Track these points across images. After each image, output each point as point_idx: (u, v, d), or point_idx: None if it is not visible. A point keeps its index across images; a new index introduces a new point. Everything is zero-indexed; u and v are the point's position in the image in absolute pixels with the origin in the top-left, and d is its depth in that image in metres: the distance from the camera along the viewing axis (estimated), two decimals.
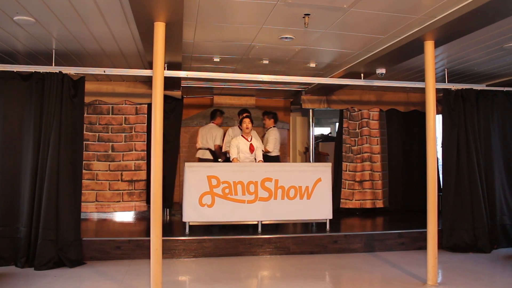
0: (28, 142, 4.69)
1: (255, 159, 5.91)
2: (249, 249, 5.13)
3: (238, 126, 6.70)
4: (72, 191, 4.73)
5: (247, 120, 5.88)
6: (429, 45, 4.21)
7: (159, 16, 3.52)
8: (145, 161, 6.47)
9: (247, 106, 7.82)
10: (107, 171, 6.40)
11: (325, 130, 11.37)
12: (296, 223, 6.01)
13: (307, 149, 8.11)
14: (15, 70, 4.77)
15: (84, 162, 5.79)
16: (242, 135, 5.94)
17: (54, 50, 4.87)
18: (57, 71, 4.77)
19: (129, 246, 4.96)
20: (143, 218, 6.64)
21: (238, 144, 5.86)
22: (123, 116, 6.51)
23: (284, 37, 4.47)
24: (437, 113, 5.04)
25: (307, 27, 3.95)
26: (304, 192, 5.54)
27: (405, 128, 7.51)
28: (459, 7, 3.48)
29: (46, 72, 4.76)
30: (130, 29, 4.17)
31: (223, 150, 6.67)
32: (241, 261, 4.93)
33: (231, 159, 5.85)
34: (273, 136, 6.56)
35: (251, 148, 5.86)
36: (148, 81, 6.39)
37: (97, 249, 4.89)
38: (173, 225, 6.13)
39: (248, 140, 5.89)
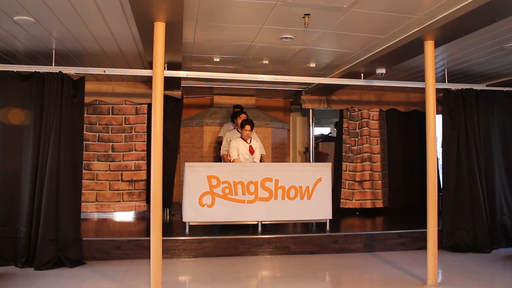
0: (28, 142, 4.69)
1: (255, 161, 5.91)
2: (249, 249, 5.13)
3: (235, 127, 6.61)
4: (72, 191, 4.73)
5: (248, 128, 5.82)
6: (429, 45, 4.21)
7: (159, 16, 3.52)
8: (145, 161, 6.47)
9: (247, 106, 7.82)
10: (107, 171, 6.40)
11: (325, 130, 11.36)
12: (296, 223, 6.01)
13: (307, 149, 8.12)
14: (15, 70, 4.76)
15: (84, 162, 5.78)
16: (241, 137, 5.93)
17: (54, 50, 4.86)
18: (57, 71, 4.77)
19: (129, 246, 4.96)
20: (143, 218, 6.64)
21: (238, 146, 5.86)
22: (123, 116, 6.50)
23: (284, 37, 4.47)
24: (437, 113, 5.05)
25: (307, 27, 3.95)
26: (305, 192, 5.54)
27: (405, 128, 7.50)
28: (459, 7, 3.48)
29: (46, 72, 4.76)
30: (130, 29, 4.17)
31: (221, 154, 6.63)
32: (241, 261, 4.93)
33: (231, 161, 5.84)
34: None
35: (251, 150, 5.86)
36: (148, 81, 6.39)
37: (97, 249, 4.89)
38: (173, 225, 6.14)
39: (247, 142, 5.90)
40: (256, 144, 5.99)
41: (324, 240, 5.32)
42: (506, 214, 5.77)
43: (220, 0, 3.51)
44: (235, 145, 5.87)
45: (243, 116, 6.25)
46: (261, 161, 6.14)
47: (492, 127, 5.86)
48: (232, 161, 5.80)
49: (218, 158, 7.10)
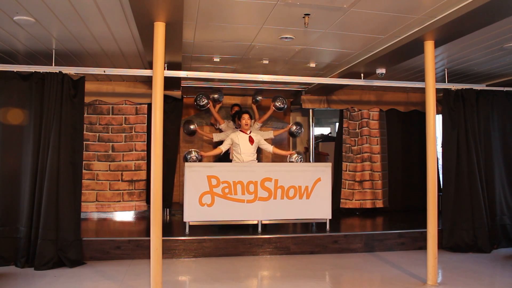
0: (28, 142, 4.69)
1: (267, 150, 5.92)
2: (249, 249, 5.13)
3: (236, 127, 6.55)
4: (72, 191, 4.73)
5: (246, 116, 5.77)
6: (429, 45, 4.21)
7: (159, 16, 3.52)
8: (145, 161, 6.48)
9: (247, 106, 7.82)
10: (107, 171, 6.40)
11: (325, 130, 11.37)
12: (296, 223, 6.02)
13: (307, 149, 8.12)
14: (15, 70, 4.77)
15: (84, 162, 5.80)
16: (240, 130, 5.83)
17: (54, 50, 4.86)
18: (57, 71, 4.77)
19: (129, 246, 4.96)
20: (143, 218, 6.64)
21: (236, 138, 5.72)
22: (123, 116, 6.51)
23: (284, 37, 4.47)
24: (437, 113, 5.06)
25: (307, 27, 3.95)
26: (304, 192, 5.54)
27: (405, 128, 7.51)
28: (459, 7, 3.48)
29: (46, 72, 4.76)
30: (130, 29, 4.17)
31: (214, 140, 6.56)
32: (241, 261, 4.93)
33: (213, 146, 5.79)
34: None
35: (251, 140, 5.76)
36: (148, 81, 6.39)
37: (97, 249, 4.89)
38: (173, 225, 6.14)
39: (247, 133, 5.82)
40: (257, 136, 5.85)
41: (324, 240, 5.32)
42: (506, 214, 5.78)
43: (220, 0, 3.51)
44: (233, 137, 5.73)
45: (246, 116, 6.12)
46: (259, 160, 6.09)
47: (492, 127, 5.86)
48: (214, 148, 5.80)
49: (218, 158, 7.08)
